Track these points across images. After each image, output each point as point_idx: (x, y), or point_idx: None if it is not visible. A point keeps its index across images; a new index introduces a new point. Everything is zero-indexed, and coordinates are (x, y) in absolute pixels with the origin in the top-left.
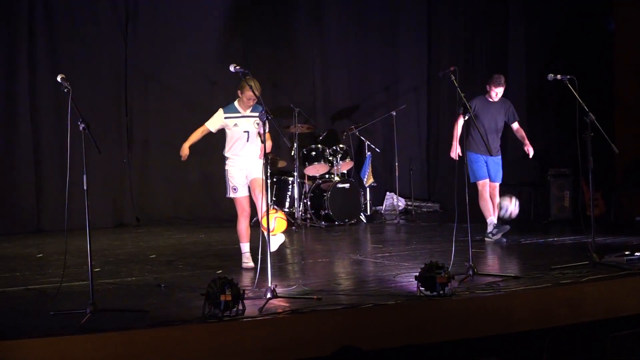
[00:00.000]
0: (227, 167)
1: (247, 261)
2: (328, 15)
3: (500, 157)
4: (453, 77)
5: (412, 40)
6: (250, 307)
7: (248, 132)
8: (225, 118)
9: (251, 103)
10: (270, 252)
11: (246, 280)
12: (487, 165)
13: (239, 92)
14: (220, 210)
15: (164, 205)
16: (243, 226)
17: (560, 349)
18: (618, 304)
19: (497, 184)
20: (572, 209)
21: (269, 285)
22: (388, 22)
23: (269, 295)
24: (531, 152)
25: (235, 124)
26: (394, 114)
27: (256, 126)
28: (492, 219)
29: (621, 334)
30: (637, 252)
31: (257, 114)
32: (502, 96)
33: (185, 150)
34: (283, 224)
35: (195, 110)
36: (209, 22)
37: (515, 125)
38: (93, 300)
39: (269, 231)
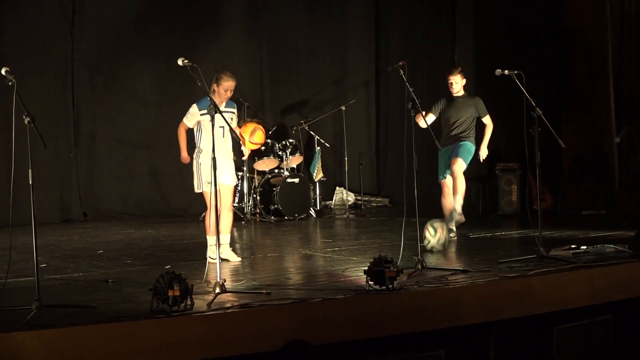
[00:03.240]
0: (200, 161)
1: (213, 257)
2: (275, 8)
3: (461, 142)
4: (402, 72)
5: (360, 34)
6: (199, 302)
7: (223, 127)
8: (202, 115)
9: (229, 95)
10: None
11: (195, 275)
12: (448, 155)
13: (214, 85)
14: (169, 206)
15: (111, 201)
16: (214, 218)
17: (507, 341)
18: (564, 297)
19: (458, 159)
20: (519, 203)
21: (218, 280)
22: (336, 16)
23: (217, 290)
24: (482, 155)
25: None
26: (344, 108)
27: (231, 122)
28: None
29: (567, 326)
30: (583, 245)
31: (232, 110)
32: (472, 93)
33: (187, 158)
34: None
35: (143, 103)
36: (154, 15)
37: (485, 120)
38: (39, 296)
39: None
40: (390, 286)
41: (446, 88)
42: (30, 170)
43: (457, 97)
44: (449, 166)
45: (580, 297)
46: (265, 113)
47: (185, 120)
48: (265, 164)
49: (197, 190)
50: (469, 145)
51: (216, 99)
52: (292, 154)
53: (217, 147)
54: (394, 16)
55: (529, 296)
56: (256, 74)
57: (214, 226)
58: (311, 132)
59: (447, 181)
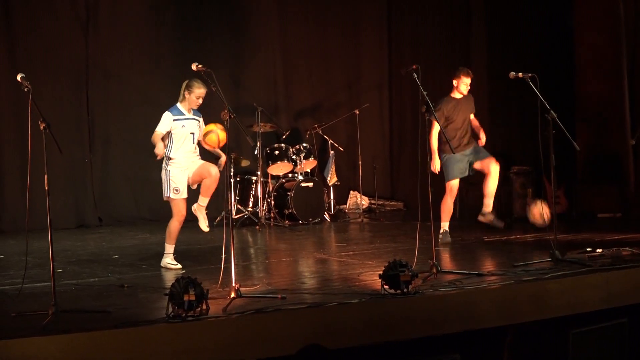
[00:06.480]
0: (169, 168)
1: (174, 263)
2: (289, 12)
3: (473, 144)
4: (415, 76)
5: (373, 37)
6: (215, 307)
7: (194, 133)
8: (174, 120)
9: (199, 102)
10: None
11: (210, 279)
12: (468, 158)
13: (185, 92)
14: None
15: (126, 205)
16: (177, 227)
17: (523, 346)
18: (580, 301)
19: (492, 158)
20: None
21: (233, 284)
22: (348, 20)
23: (233, 295)
24: (483, 139)
25: (183, 125)
26: (357, 112)
27: (199, 129)
28: (445, 225)
29: (583, 330)
30: (599, 248)
31: (199, 118)
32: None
33: (161, 149)
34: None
35: (157, 108)
36: (169, 20)
37: (471, 116)
38: (55, 301)
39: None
40: (405, 290)
41: (448, 89)
42: (46, 176)
43: (461, 97)
44: (472, 168)
45: (596, 300)
46: (279, 117)
47: (159, 128)
48: (279, 169)
49: (165, 198)
50: None
51: (185, 108)
52: (306, 158)
53: (188, 152)
54: (407, 19)
55: (544, 300)
56: (270, 78)
57: (175, 234)
58: (325, 136)
59: (456, 184)
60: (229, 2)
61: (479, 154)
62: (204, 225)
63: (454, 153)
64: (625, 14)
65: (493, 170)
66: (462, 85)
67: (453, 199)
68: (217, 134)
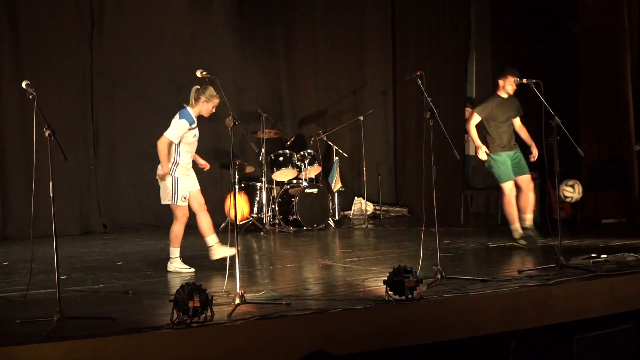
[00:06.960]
0: (176, 175)
1: (185, 267)
2: (293, 19)
3: (518, 150)
4: (420, 82)
5: (377, 43)
6: (219, 313)
7: (197, 139)
8: (190, 129)
9: (213, 111)
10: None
11: (214, 286)
12: (512, 162)
13: (203, 100)
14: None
15: (131, 212)
16: (182, 230)
17: (527, 351)
18: (585, 306)
19: (529, 175)
20: (539, 212)
21: (238, 290)
22: (353, 26)
23: (237, 301)
24: (535, 154)
25: (195, 135)
26: (362, 118)
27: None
28: (517, 226)
29: (588, 335)
30: (604, 254)
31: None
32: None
33: (166, 170)
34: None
35: (162, 115)
36: (174, 27)
37: (517, 122)
38: (60, 307)
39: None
40: (409, 296)
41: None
42: (50, 183)
43: (506, 97)
44: (516, 173)
45: (600, 306)
46: (284, 124)
47: (170, 136)
48: (283, 175)
49: (167, 202)
50: None
51: (194, 113)
52: (310, 164)
53: (190, 158)
54: (411, 25)
55: (549, 305)
56: (274, 85)
57: (181, 237)
58: (329, 143)
59: (511, 185)
60: (233, 8)
61: (520, 168)
62: (231, 251)
63: (457, 158)
64: (629, 19)
65: (527, 186)
66: (508, 85)
67: (514, 199)
68: (242, 208)
